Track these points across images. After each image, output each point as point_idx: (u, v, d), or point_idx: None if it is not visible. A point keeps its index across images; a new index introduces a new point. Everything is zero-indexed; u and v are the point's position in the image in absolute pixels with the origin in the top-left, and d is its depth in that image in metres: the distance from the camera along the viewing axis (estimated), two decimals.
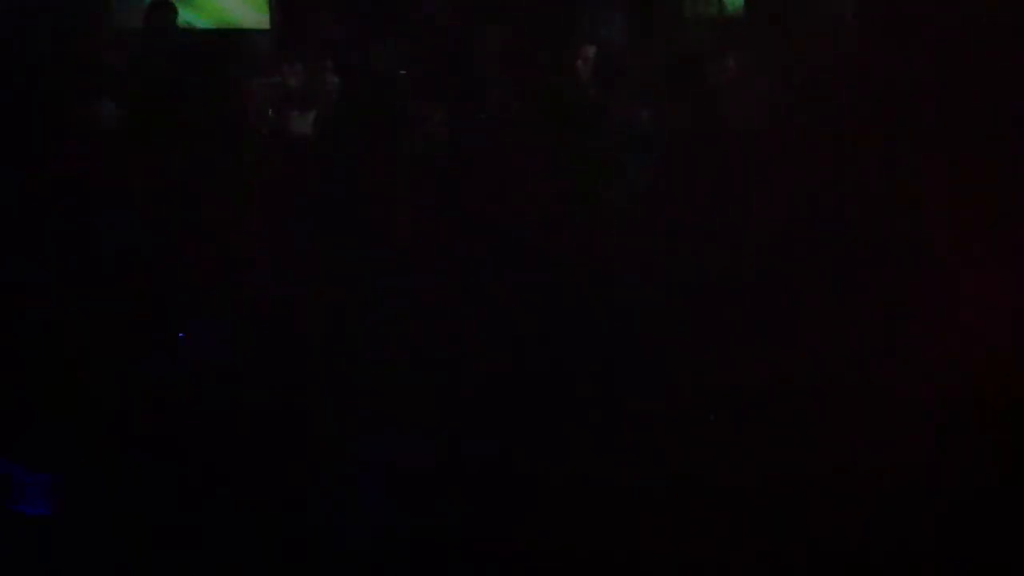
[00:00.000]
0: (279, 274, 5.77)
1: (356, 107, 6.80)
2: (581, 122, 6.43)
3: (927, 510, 4.91)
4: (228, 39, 8.45)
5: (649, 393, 5.33)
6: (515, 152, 6.15)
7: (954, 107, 5.68)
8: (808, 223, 5.69)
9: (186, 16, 8.13)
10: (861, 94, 6.12)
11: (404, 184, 6.12)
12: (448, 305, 5.56)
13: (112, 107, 6.97)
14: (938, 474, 4.96)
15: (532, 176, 6.00)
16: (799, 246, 5.64)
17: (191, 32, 8.27)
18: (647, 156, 6.21)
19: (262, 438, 5.16)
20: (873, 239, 5.59)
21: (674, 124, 6.45)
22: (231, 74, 7.34)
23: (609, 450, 5.18)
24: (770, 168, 5.93)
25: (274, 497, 4.97)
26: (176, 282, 5.71)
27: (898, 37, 6.15)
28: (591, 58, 7.28)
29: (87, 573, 4.90)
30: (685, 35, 8.33)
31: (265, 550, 4.87)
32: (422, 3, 8.07)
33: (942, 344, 5.22)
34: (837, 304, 5.43)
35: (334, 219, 5.93)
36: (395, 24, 7.80)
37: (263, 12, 8.78)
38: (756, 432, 5.19)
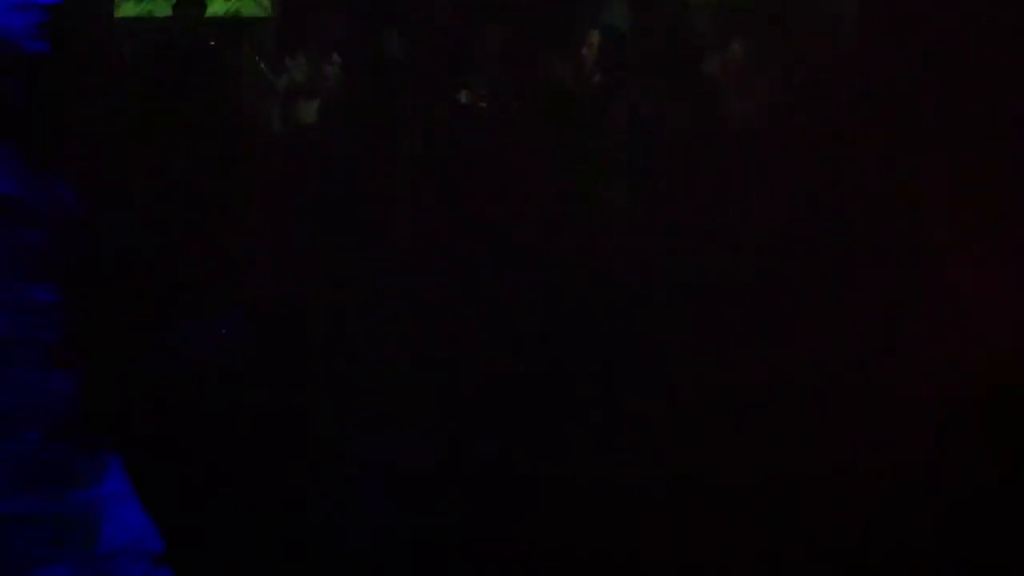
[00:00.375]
0: (279, 273, 5.77)
1: (356, 103, 6.80)
2: (581, 117, 6.41)
3: (927, 510, 4.91)
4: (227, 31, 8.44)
5: (649, 393, 5.33)
6: (515, 151, 6.14)
7: (954, 107, 5.67)
8: (808, 223, 5.69)
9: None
10: (861, 91, 6.11)
11: (404, 183, 6.12)
12: (449, 305, 5.56)
13: (112, 102, 6.97)
14: (938, 474, 4.96)
15: (532, 176, 5.99)
16: (799, 246, 5.64)
17: (190, 24, 8.24)
18: (647, 154, 6.20)
19: (262, 438, 5.16)
20: (873, 239, 5.59)
21: (674, 116, 6.44)
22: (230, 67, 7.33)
23: (609, 449, 5.18)
24: (770, 166, 5.93)
25: (274, 497, 4.97)
26: (176, 280, 5.71)
27: (898, 36, 6.14)
28: (595, 45, 7.24)
29: None
30: (687, 23, 8.28)
31: (265, 550, 4.86)
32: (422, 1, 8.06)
33: (942, 344, 5.22)
34: (837, 304, 5.43)
35: (333, 218, 5.93)
36: (396, 20, 7.78)
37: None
38: (756, 432, 5.19)
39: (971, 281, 5.28)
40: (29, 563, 3.75)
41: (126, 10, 8.21)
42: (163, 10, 7.93)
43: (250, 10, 8.56)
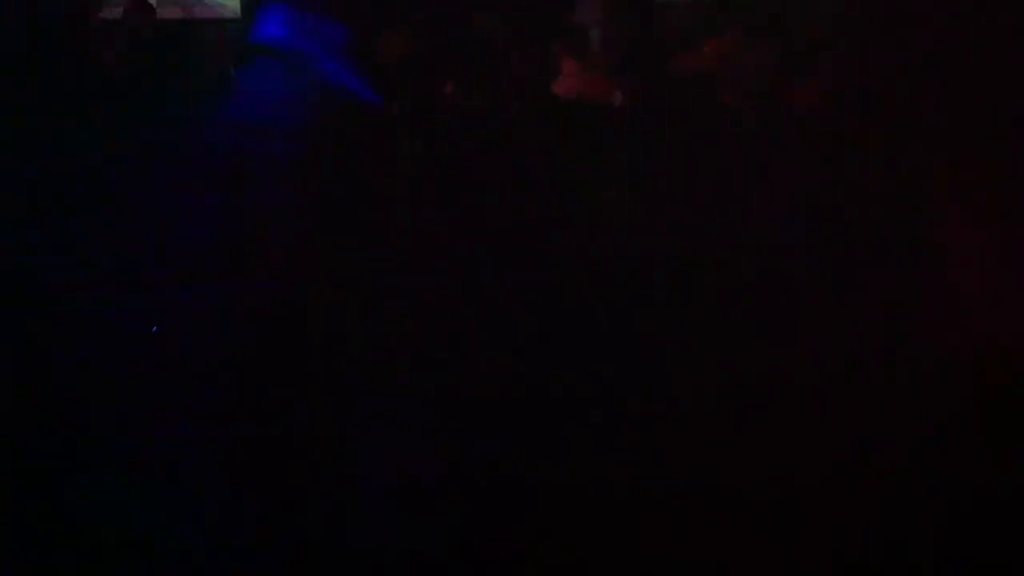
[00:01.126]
0: (276, 273, 5.75)
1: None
2: (581, 117, 6.41)
3: (927, 510, 4.93)
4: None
5: (650, 392, 5.34)
6: (516, 151, 6.14)
7: (954, 107, 5.67)
8: (809, 222, 5.70)
9: None
10: (861, 91, 6.12)
11: (404, 183, 6.10)
12: (447, 305, 5.55)
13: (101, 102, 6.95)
14: (938, 474, 4.98)
15: (532, 175, 5.99)
16: (799, 246, 5.65)
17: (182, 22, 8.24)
18: (647, 154, 6.19)
19: (260, 438, 5.15)
20: (873, 239, 5.60)
21: (672, 114, 6.44)
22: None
23: (609, 449, 5.19)
24: (770, 166, 5.93)
25: (272, 498, 4.97)
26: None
27: (898, 36, 6.14)
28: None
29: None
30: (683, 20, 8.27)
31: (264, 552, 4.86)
32: None
33: (942, 343, 5.23)
34: (837, 304, 5.44)
35: (332, 218, 5.91)
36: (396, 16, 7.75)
37: None
38: (757, 431, 5.20)
39: (971, 281, 5.29)
40: None
41: None
42: None
43: None
